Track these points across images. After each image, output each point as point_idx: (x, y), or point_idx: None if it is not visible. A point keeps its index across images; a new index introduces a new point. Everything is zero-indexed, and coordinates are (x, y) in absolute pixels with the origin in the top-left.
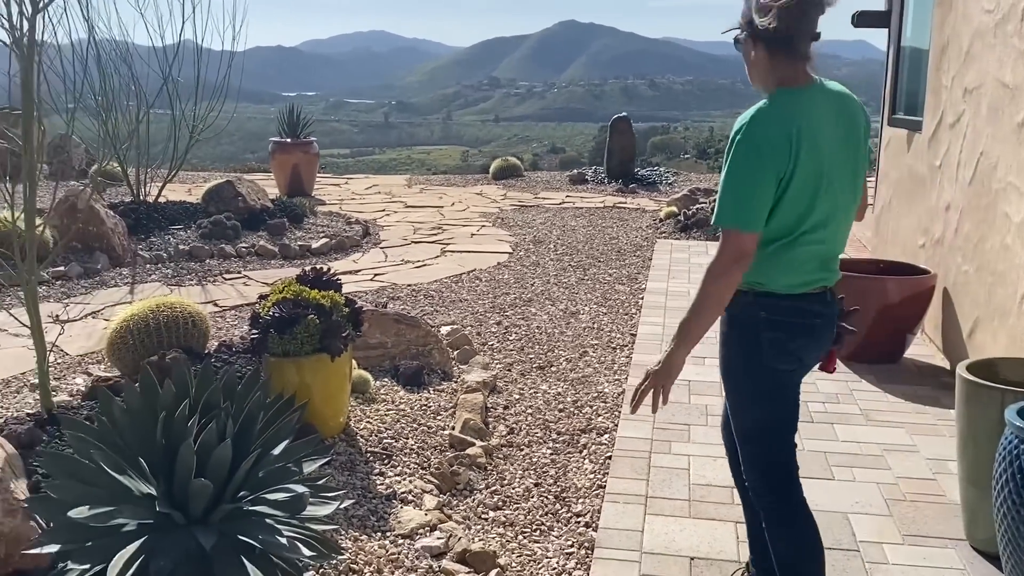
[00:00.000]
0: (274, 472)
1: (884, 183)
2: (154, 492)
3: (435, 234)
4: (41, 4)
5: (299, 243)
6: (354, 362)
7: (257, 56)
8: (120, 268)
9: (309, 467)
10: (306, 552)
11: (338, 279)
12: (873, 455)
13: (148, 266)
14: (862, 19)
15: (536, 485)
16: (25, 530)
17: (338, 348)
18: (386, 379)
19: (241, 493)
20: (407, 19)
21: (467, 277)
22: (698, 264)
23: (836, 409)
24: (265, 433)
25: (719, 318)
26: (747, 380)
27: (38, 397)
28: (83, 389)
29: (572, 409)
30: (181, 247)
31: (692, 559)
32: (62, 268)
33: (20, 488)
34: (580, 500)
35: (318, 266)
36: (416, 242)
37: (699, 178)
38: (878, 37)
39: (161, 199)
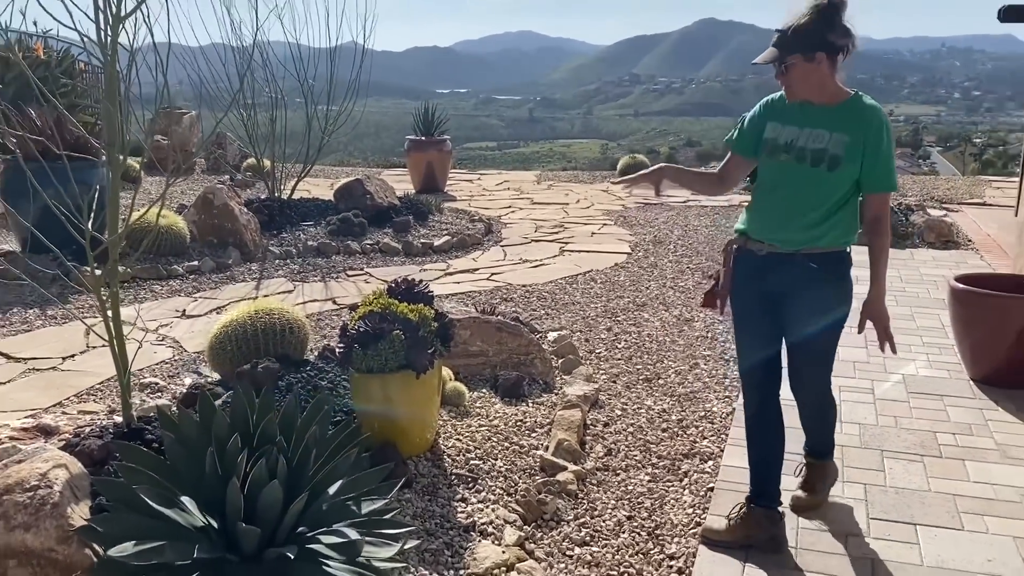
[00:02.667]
0: (334, 508)
1: None
2: (206, 527)
3: (556, 232)
4: (123, 13)
5: (422, 240)
6: (450, 372)
7: (415, 56)
8: (250, 263)
9: (369, 507)
10: None
11: (430, 291)
12: (1010, 501)
13: (277, 261)
14: (1009, 14)
15: (629, 518)
16: (80, 558)
17: (423, 365)
18: (484, 390)
19: (300, 529)
20: (553, 19)
21: (583, 278)
22: None
23: (968, 442)
24: (322, 470)
25: (812, 271)
26: (840, 320)
27: (144, 398)
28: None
29: (676, 429)
30: (310, 243)
31: None
32: (196, 263)
33: (80, 512)
34: (675, 539)
35: (409, 276)
36: (536, 240)
37: None
38: None
39: (301, 195)
